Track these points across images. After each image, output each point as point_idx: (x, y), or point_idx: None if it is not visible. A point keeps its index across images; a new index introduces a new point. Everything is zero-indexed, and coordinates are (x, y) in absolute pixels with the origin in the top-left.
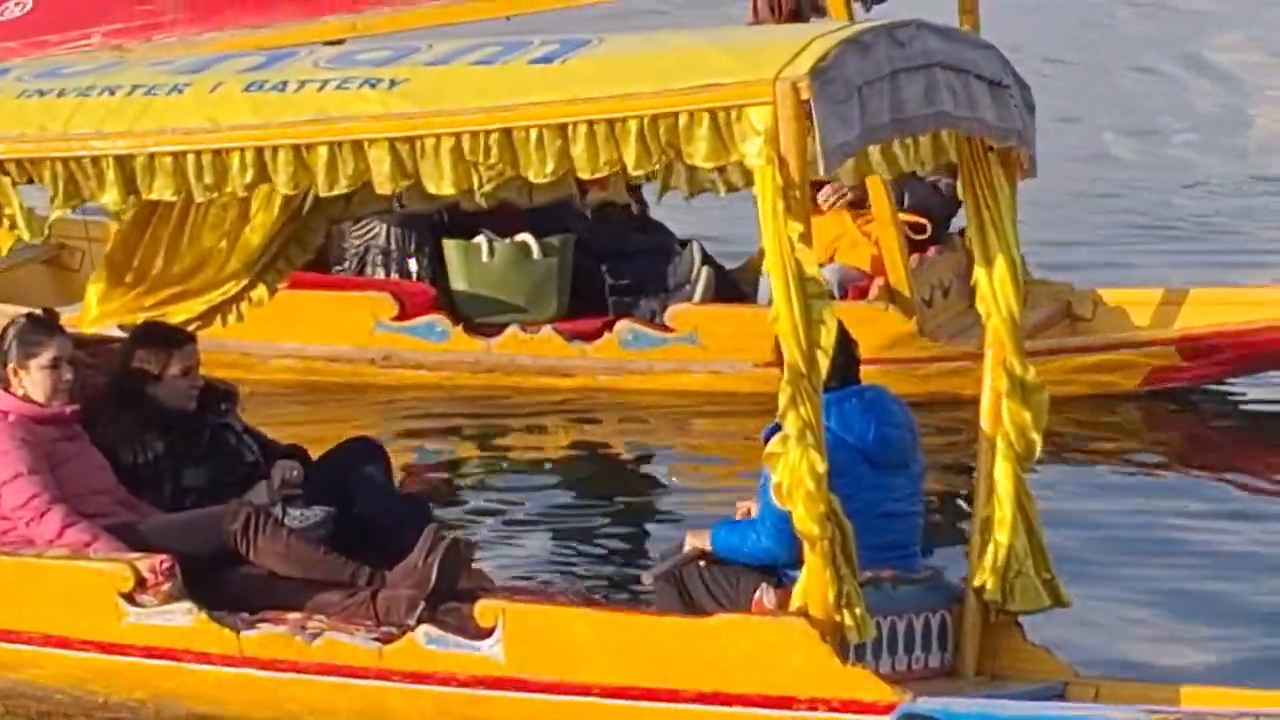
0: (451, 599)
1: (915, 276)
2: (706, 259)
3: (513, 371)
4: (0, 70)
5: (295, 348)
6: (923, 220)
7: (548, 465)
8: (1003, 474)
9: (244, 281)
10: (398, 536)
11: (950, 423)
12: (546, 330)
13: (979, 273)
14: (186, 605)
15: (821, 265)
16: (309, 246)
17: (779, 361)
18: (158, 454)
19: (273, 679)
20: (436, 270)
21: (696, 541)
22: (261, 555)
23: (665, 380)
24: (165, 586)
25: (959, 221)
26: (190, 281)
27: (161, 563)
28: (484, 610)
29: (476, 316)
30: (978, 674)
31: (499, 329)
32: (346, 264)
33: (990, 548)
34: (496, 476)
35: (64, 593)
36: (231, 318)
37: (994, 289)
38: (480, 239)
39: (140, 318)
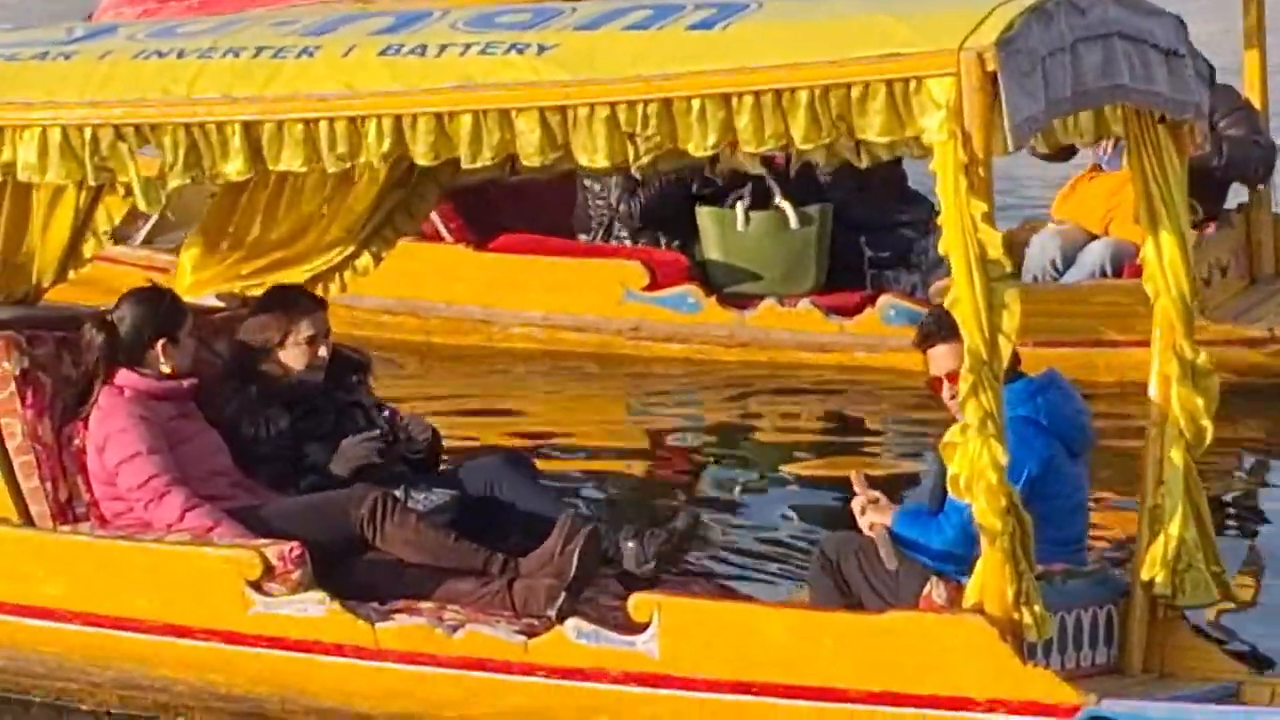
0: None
1: (1196, 254)
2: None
3: (767, 346)
4: (108, 28)
5: (540, 316)
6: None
7: (799, 445)
8: (1173, 463)
9: (348, 250)
10: (528, 523)
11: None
12: (804, 304)
13: (1148, 251)
14: (318, 595)
15: (1096, 237)
16: (419, 215)
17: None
18: (280, 429)
19: (410, 672)
20: (687, 239)
21: (878, 517)
22: (389, 542)
23: None
24: (295, 575)
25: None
26: (290, 249)
27: (291, 550)
28: (639, 604)
29: (729, 287)
30: (1144, 671)
31: (754, 301)
32: (592, 232)
33: (1160, 540)
34: (746, 454)
35: (187, 580)
36: (334, 287)
37: (1164, 268)
38: (737, 207)
39: (237, 286)
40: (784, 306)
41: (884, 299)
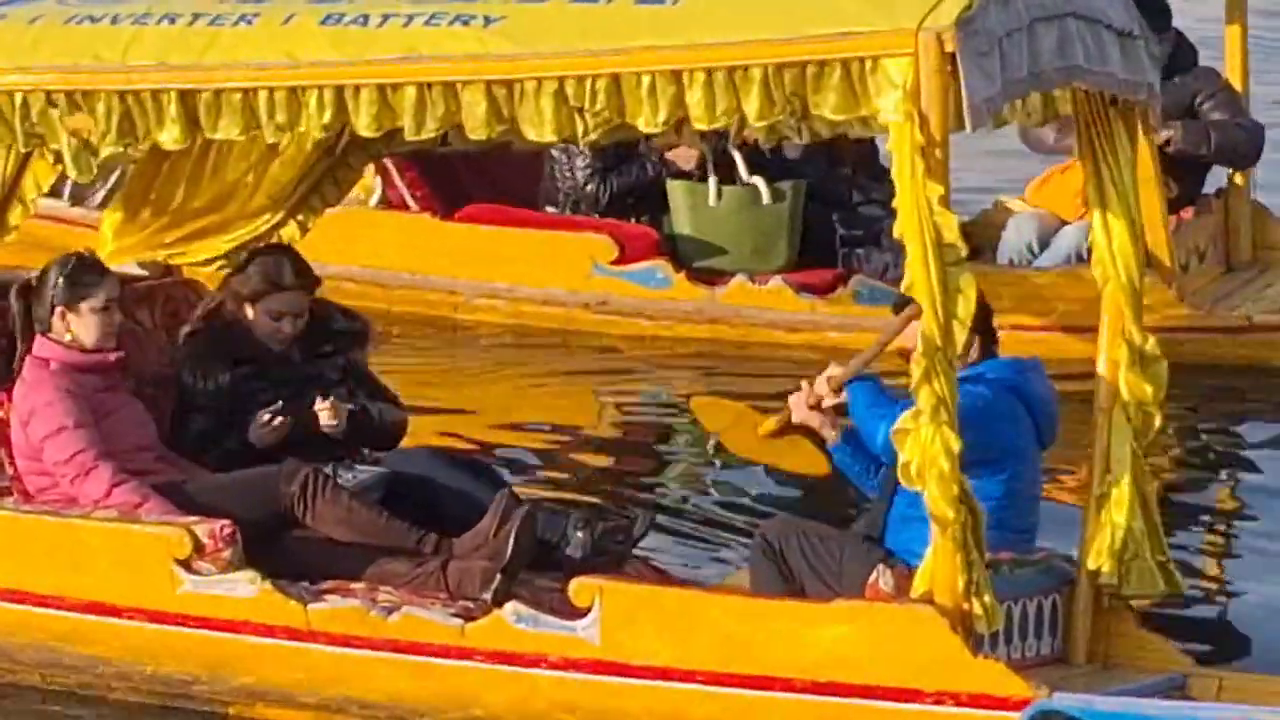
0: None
1: (1174, 240)
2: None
3: (737, 323)
4: None
5: (505, 288)
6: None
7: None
8: (1120, 451)
9: (274, 219)
10: (459, 503)
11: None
12: (775, 281)
13: (1096, 235)
14: (249, 575)
15: (1069, 223)
16: (346, 184)
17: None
18: (219, 384)
19: (343, 655)
20: (656, 213)
21: (836, 372)
22: (320, 520)
23: None
24: (225, 554)
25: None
26: (213, 216)
27: (222, 528)
28: (580, 589)
29: (699, 262)
30: (1089, 661)
31: (724, 278)
32: (560, 204)
33: (1106, 529)
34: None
35: (113, 557)
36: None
37: (1113, 253)
38: (709, 181)
39: (160, 254)
40: (755, 284)
41: (856, 278)
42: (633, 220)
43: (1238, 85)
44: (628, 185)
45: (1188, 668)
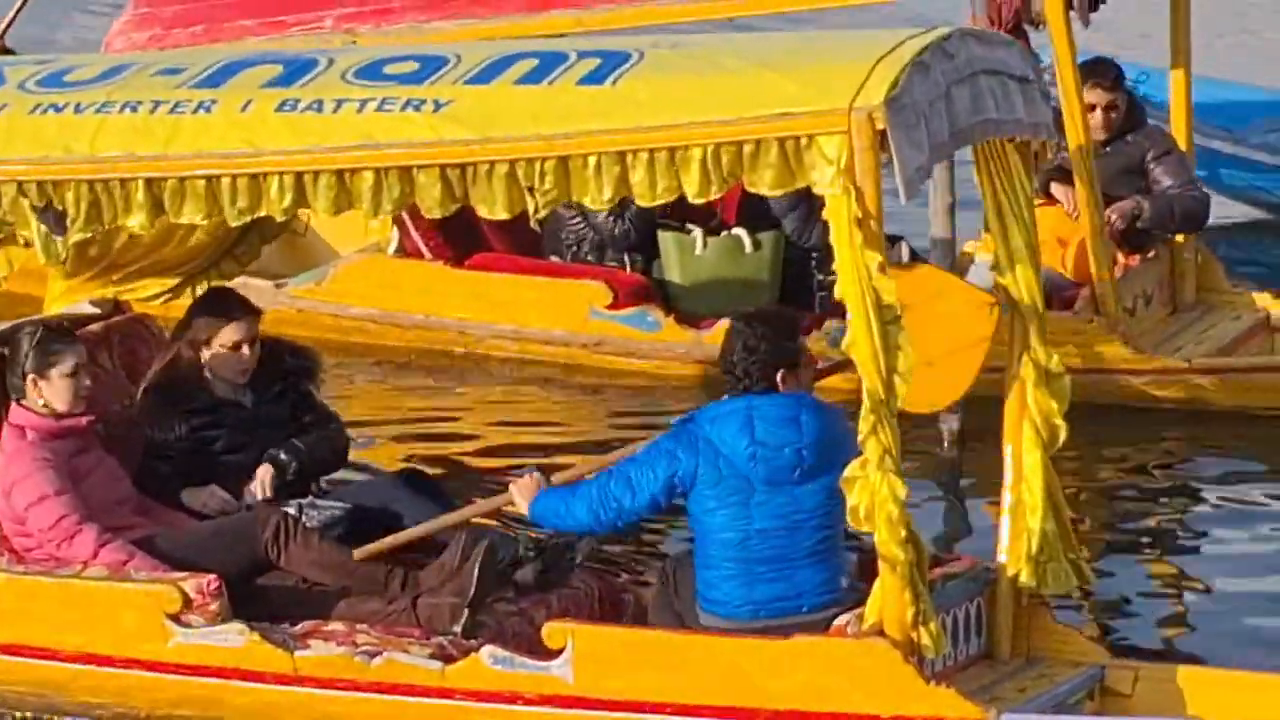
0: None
1: (1120, 286)
2: (915, 256)
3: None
4: None
5: (511, 330)
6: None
7: None
8: (1032, 461)
9: (215, 255)
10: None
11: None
12: None
13: (1000, 261)
14: (238, 626)
15: None
16: (287, 221)
17: None
18: (179, 435)
19: (329, 696)
20: (649, 261)
21: (519, 497)
22: (293, 562)
23: None
24: (213, 606)
25: None
26: (154, 255)
27: (209, 583)
28: (553, 632)
29: (688, 306)
30: (1013, 656)
31: (710, 321)
32: (564, 254)
33: (1023, 534)
34: None
35: (107, 613)
36: (201, 290)
37: (1016, 278)
38: (696, 232)
39: (110, 291)
40: None
41: (830, 322)
42: (629, 267)
43: (1182, 141)
44: (648, 216)
45: (1105, 659)
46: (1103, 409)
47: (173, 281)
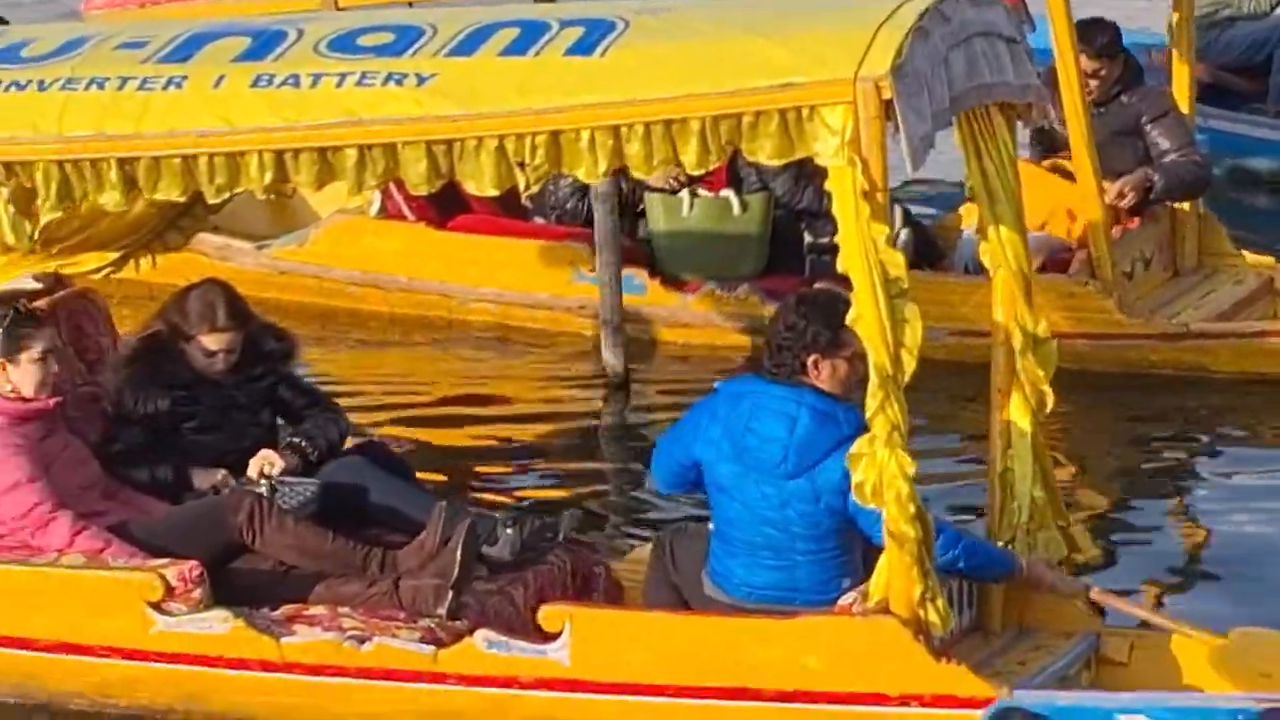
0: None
1: (1118, 249)
2: (908, 220)
3: (707, 327)
4: None
5: (494, 293)
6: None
7: None
8: (1020, 428)
9: (158, 227)
10: (392, 512)
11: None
12: (743, 288)
13: (985, 226)
14: (221, 613)
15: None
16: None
17: None
18: (158, 409)
19: (317, 683)
20: (636, 221)
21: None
22: (269, 545)
23: None
24: (195, 594)
25: None
26: (93, 229)
27: (191, 570)
28: (549, 615)
29: (675, 271)
30: (1005, 627)
31: (695, 284)
32: (547, 215)
33: (1012, 503)
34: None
35: (87, 602)
36: (145, 264)
37: (1002, 243)
38: (683, 193)
39: (51, 265)
40: (724, 290)
41: (820, 285)
42: None
43: (1183, 104)
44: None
45: (1097, 627)
46: (1100, 375)
47: (114, 255)
